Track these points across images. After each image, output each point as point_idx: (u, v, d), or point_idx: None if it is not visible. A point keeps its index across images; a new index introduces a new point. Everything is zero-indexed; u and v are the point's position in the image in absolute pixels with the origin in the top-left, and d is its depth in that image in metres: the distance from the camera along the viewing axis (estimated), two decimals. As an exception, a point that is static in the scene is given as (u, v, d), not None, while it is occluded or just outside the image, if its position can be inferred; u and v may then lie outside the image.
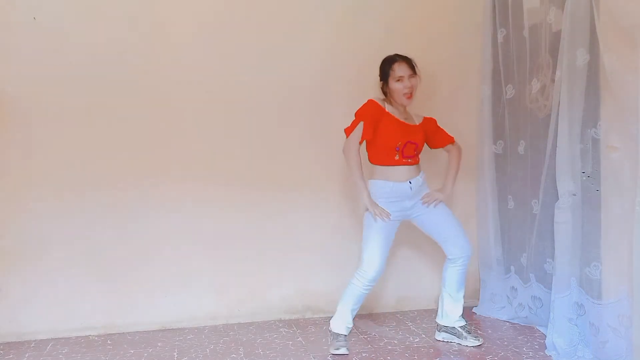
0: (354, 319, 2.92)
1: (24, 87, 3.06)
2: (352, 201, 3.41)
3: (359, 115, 2.84)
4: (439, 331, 3.03)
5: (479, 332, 3.13)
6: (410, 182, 2.85)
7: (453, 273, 2.95)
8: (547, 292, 2.96)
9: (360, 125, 2.81)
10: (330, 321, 2.93)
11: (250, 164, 3.31)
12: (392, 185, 2.84)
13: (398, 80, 2.82)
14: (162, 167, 3.22)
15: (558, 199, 2.71)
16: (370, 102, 2.84)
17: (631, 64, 2.26)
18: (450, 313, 2.98)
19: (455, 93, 3.46)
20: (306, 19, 3.32)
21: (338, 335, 2.89)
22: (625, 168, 2.39)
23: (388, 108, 2.86)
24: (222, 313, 3.34)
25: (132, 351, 2.94)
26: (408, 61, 2.84)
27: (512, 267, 3.28)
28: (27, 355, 2.92)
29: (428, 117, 3.00)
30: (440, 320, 3.02)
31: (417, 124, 2.93)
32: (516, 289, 3.24)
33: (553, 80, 2.78)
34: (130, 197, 3.19)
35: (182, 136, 3.23)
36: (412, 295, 3.53)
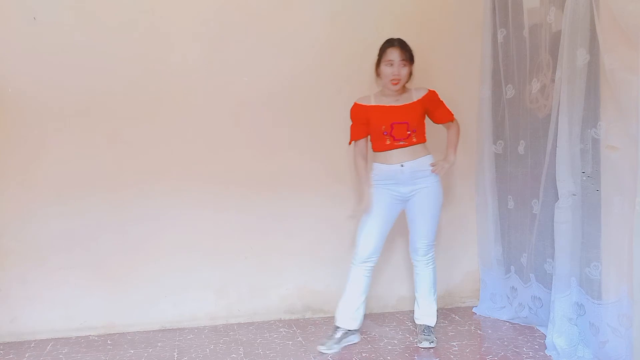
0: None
1: (24, 87, 3.06)
2: (352, 201, 3.41)
3: (352, 120, 2.96)
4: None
5: (479, 332, 3.13)
6: (402, 165, 2.85)
7: (416, 277, 3.04)
8: (547, 292, 2.96)
9: (352, 128, 2.96)
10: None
11: (250, 164, 3.31)
12: (385, 168, 2.88)
13: (388, 64, 2.83)
14: (162, 167, 3.21)
15: (558, 199, 2.71)
16: (353, 107, 2.94)
17: (631, 64, 2.27)
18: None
19: (455, 93, 3.45)
20: (303, 19, 3.32)
21: (335, 327, 2.93)
22: (625, 168, 2.39)
23: (374, 99, 2.90)
24: (222, 313, 3.34)
25: (132, 351, 2.94)
26: (403, 47, 2.82)
27: (512, 267, 3.28)
28: (27, 355, 2.92)
29: (431, 90, 2.94)
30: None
31: (414, 101, 2.89)
32: (516, 289, 3.24)
33: (553, 80, 2.78)
34: (130, 197, 3.19)
35: (182, 136, 3.23)
36: (412, 295, 3.52)
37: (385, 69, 2.83)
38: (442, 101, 2.97)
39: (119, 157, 3.17)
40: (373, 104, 2.90)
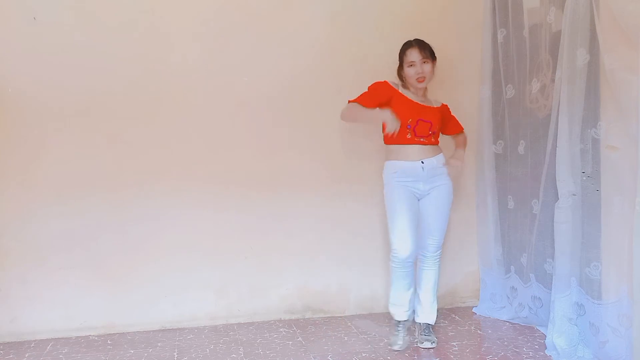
0: (411, 306, 2.97)
1: (24, 87, 3.06)
2: (352, 201, 3.41)
3: (370, 90, 2.89)
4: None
5: (479, 332, 3.13)
6: (422, 162, 2.85)
7: (420, 274, 3.03)
8: (547, 292, 2.96)
9: (364, 94, 2.88)
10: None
11: (250, 164, 3.31)
12: (404, 165, 2.86)
13: (410, 65, 2.86)
14: (162, 167, 3.21)
15: (558, 199, 2.71)
16: (383, 82, 2.90)
17: (631, 64, 2.27)
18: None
19: (455, 93, 3.46)
20: (303, 19, 3.32)
21: (396, 323, 2.96)
22: (625, 168, 2.39)
23: (402, 90, 2.90)
24: (222, 313, 3.34)
25: (132, 351, 2.94)
26: (421, 46, 2.86)
27: (512, 267, 3.28)
28: (27, 355, 2.92)
29: (445, 103, 3.04)
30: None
31: (435, 106, 2.95)
32: (516, 289, 3.24)
33: (553, 80, 2.78)
34: (130, 197, 3.19)
35: (182, 136, 3.23)
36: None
37: (408, 70, 2.87)
38: (453, 115, 3.09)
39: (119, 157, 3.17)
40: (401, 92, 2.90)
